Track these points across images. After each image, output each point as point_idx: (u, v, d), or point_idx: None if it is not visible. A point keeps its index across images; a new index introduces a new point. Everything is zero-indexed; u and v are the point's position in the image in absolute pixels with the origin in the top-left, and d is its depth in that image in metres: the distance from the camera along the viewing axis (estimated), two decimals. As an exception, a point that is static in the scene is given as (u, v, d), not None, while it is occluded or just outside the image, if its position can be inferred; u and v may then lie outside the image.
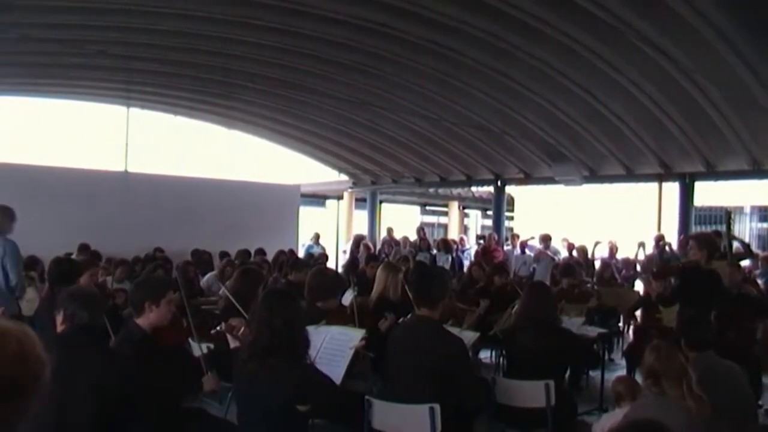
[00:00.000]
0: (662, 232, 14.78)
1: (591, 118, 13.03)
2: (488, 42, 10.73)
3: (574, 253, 13.95)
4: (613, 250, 13.99)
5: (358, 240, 17.60)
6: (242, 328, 4.50)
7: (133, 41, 12.22)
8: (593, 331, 7.60)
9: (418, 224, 21.71)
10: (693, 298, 6.57)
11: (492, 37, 10.58)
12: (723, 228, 8.68)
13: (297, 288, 6.42)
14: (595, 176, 15.68)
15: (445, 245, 16.68)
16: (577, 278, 9.94)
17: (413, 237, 17.57)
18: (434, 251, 16.30)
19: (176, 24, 11.28)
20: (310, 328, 4.17)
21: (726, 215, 8.81)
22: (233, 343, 4.34)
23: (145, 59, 13.24)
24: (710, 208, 16.99)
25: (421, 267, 9.41)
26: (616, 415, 4.12)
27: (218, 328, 4.76)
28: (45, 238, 10.61)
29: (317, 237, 18.04)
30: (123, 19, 11.16)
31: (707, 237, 7.77)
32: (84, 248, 11.20)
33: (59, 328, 4.00)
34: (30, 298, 7.57)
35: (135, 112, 17.46)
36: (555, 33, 10.00)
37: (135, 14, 10.89)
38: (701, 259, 6.90)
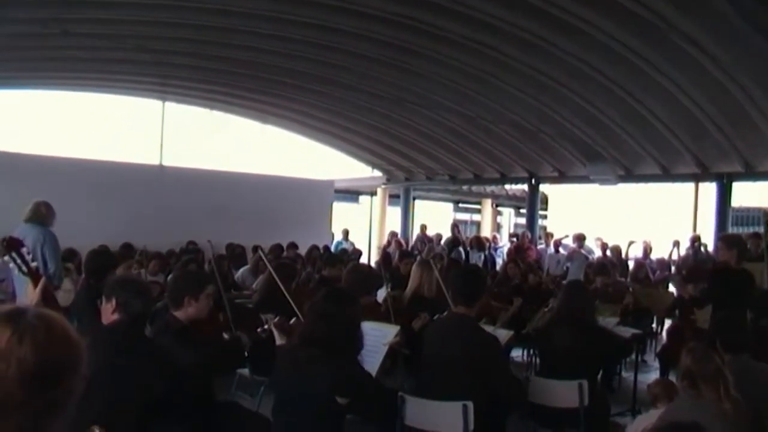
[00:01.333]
0: (698, 232, 14.60)
1: (628, 117, 12.91)
2: (526, 40, 10.67)
3: (608, 252, 13.83)
4: (647, 250, 13.85)
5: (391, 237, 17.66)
6: (273, 322, 4.52)
7: (169, 36, 12.32)
8: (627, 331, 7.52)
9: (451, 221, 21.63)
10: (724, 299, 6.47)
11: (530, 35, 10.53)
12: (761, 229, 8.57)
13: (331, 283, 6.45)
14: (630, 176, 15.54)
15: (478, 243, 16.63)
16: (612, 278, 9.86)
17: (446, 234, 17.56)
18: (467, 249, 16.25)
19: (212, 19, 11.36)
20: (344, 323, 4.19)
21: (765, 216, 8.70)
22: (280, 341, 4.35)
23: (181, 54, 13.34)
24: (748, 209, 16.78)
25: (460, 265, 9.40)
26: (651, 417, 4.10)
27: (266, 326, 4.80)
28: (81, 230, 10.69)
29: (346, 233, 18.09)
30: (159, 14, 11.25)
31: (736, 237, 7.68)
32: (125, 247, 11.34)
33: (108, 317, 3.96)
34: (67, 289, 7.69)
35: (170, 106, 17.62)
36: (594, 31, 9.91)
37: (171, 9, 10.97)
38: (731, 260, 6.79)
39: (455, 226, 18.01)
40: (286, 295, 5.67)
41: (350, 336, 3.85)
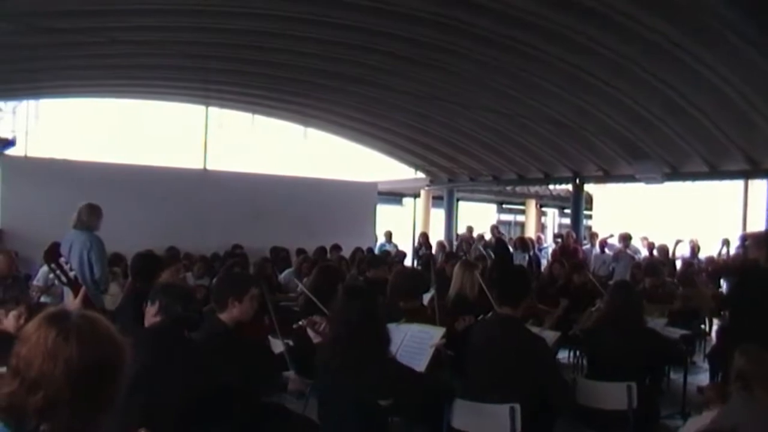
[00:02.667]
0: (748, 231, 14.30)
1: (673, 113, 12.66)
2: (566, 36, 10.54)
3: (655, 252, 13.63)
4: (695, 249, 13.63)
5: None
6: (323, 324, 4.53)
7: (211, 41, 12.44)
8: (676, 332, 7.41)
9: (494, 222, 21.53)
10: (752, 299, 6.27)
11: (570, 31, 10.40)
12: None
13: (376, 285, 6.44)
14: (676, 174, 15.26)
15: (522, 244, 16.53)
16: (660, 278, 9.72)
17: (486, 235, 17.54)
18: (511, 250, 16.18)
19: (252, 23, 11.43)
20: (391, 326, 4.19)
21: None
22: (316, 340, 4.38)
23: (222, 59, 13.45)
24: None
25: (504, 265, 9.34)
26: (704, 419, 4.01)
27: (300, 322, 4.80)
28: (127, 234, 10.84)
29: (389, 235, 18.09)
30: (201, 20, 11.37)
31: (765, 235, 7.45)
32: (171, 250, 11.49)
33: (150, 319, 4.07)
34: (113, 293, 7.82)
35: (213, 110, 17.80)
36: (635, 24, 9.74)
37: (213, 14, 11.07)
38: (761, 258, 6.57)
39: (495, 228, 17.94)
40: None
41: (370, 331, 3.83)
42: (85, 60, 13.24)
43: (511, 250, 16.07)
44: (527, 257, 15.91)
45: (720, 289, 11.34)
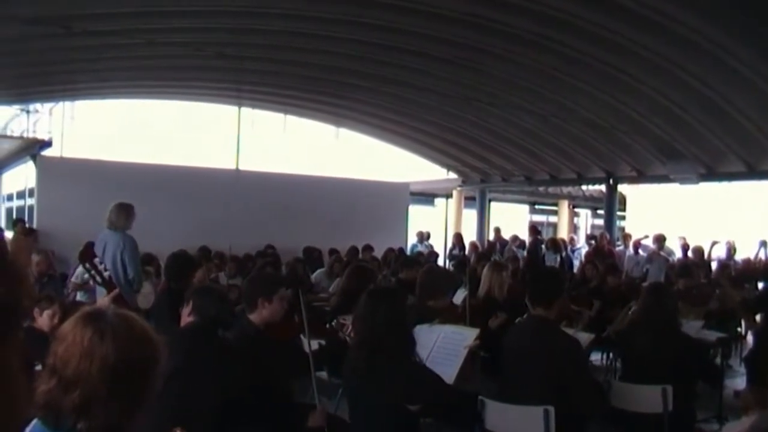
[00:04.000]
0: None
1: (709, 112, 12.48)
2: (599, 34, 10.44)
3: (690, 253, 13.47)
4: (731, 250, 13.43)
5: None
6: (350, 327, 4.54)
7: (244, 42, 12.52)
8: (712, 335, 7.31)
9: (528, 223, 21.42)
10: None
11: (603, 30, 10.30)
12: None
13: (408, 286, 6.43)
14: (713, 174, 15.05)
15: (554, 244, 16.43)
16: (694, 279, 9.60)
17: (522, 236, 17.45)
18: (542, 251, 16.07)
19: (284, 24, 11.48)
20: (424, 327, 4.19)
21: None
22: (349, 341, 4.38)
23: (255, 59, 13.53)
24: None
25: (537, 266, 9.30)
26: (742, 424, 3.94)
27: (332, 323, 4.82)
28: (160, 234, 10.92)
29: (422, 235, 18.07)
30: (237, 21, 11.45)
31: None
32: (203, 250, 11.57)
33: (185, 319, 4.11)
34: (146, 292, 7.89)
35: (246, 110, 17.90)
36: (671, 22, 9.62)
37: (244, 15, 11.14)
38: None
39: (533, 227, 17.84)
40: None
41: (395, 336, 3.82)
42: (122, 61, 13.40)
43: (543, 250, 15.95)
44: (559, 258, 15.79)
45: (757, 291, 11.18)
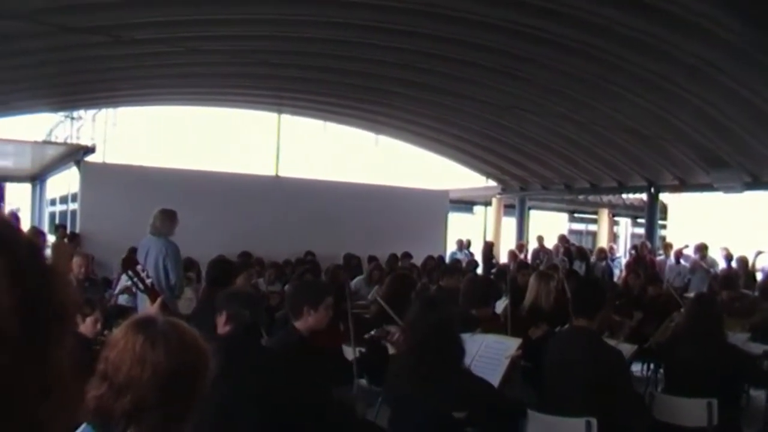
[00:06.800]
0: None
1: (755, 120, 12.26)
2: (641, 41, 10.33)
3: (733, 263, 13.25)
4: (776, 260, 13.20)
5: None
6: (396, 334, 4.52)
7: (287, 50, 12.61)
8: (758, 347, 7.17)
9: (563, 233, 21.24)
10: None
11: (646, 36, 10.18)
12: None
13: (449, 294, 6.42)
14: (758, 183, 14.81)
15: (580, 253, 16.35)
16: (738, 291, 9.43)
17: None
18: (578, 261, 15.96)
19: (328, 32, 11.52)
20: (466, 336, 4.16)
21: None
22: (390, 349, 4.37)
23: (297, 66, 13.61)
24: None
25: (580, 276, 9.22)
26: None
27: (372, 332, 4.81)
28: (201, 240, 10.99)
29: (461, 243, 18.00)
30: (277, 29, 11.51)
31: None
32: (243, 255, 11.64)
33: (221, 328, 4.09)
34: (187, 298, 7.97)
35: (286, 118, 18.01)
36: (716, 28, 9.48)
37: (288, 24, 11.20)
38: None
39: (563, 237, 17.73)
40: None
41: (445, 343, 3.80)
42: (164, 69, 13.58)
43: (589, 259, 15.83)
44: (584, 266, 15.66)
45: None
